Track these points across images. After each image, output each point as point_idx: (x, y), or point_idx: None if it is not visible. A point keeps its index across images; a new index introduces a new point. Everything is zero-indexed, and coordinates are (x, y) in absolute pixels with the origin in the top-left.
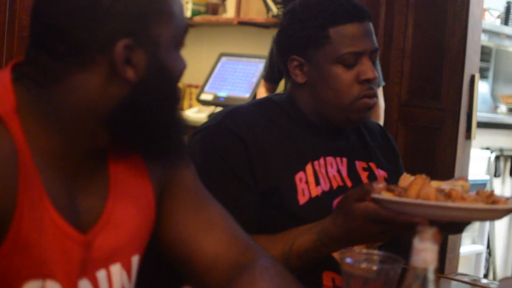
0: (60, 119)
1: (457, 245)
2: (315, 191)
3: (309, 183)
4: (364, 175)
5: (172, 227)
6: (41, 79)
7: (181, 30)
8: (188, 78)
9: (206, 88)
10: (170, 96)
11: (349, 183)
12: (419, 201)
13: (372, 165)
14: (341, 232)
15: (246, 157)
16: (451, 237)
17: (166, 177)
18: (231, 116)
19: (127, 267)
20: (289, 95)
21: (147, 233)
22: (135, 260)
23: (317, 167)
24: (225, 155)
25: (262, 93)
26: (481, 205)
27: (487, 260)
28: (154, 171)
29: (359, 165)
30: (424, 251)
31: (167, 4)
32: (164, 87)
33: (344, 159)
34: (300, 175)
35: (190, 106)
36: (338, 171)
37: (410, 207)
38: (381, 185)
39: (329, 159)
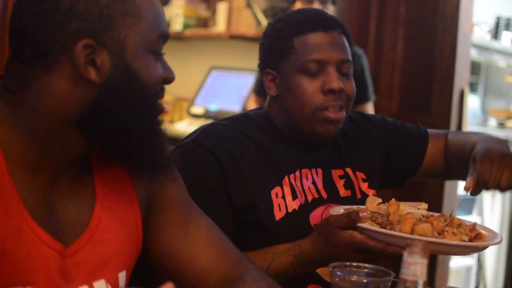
0: (32, 125)
1: (447, 258)
2: (292, 206)
3: (285, 198)
4: (340, 184)
5: (162, 241)
6: (13, 86)
7: (153, 35)
8: (178, 91)
9: (197, 101)
10: (143, 102)
11: (324, 195)
12: (416, 236)
13: (348, 170)
14: (321, 257)
15: (220, 174)
16: None
17: (153, 191)
18: (206, 133)
19: (113, 283)
20: (266, 110)
21: (135, 249)
22: (122, 276)
23: (292, 181)
24: (200, 172)
25: (252, 106)
26: (474, 243)
27: (478, 274)
28: (140, 185)
29: (335, 173)
30: (414, 265)
31: (134, 7)
32: (133, 91)
33: (320, 170)
34: (276, 190)
35: (181, 119)
36: (313, 183)
37: (405, 241)
38: (366, 214)
39: (304, 171)
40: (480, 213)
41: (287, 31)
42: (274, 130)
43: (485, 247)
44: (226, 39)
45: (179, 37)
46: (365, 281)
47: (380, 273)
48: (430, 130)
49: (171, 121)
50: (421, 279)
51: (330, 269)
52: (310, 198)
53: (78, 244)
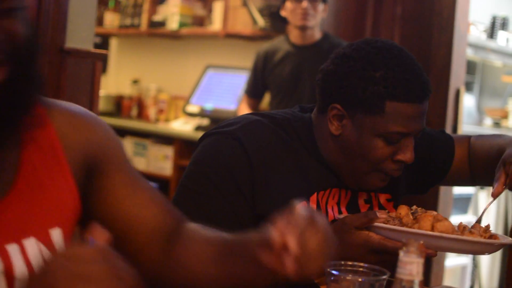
0: None
1: (443, 257)
2: None
3: None
4: (364, 208)
5: (109, 204)
6: None
7: None
8: (174, 89)
9: (192, 100)
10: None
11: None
12: (437, 233)
13: (372, 194)
14: (336, 258)
15: (250, 176)
16: None
17: (92, 154)
18: (247, 130)
19: (45, 241)
20: (310, 125)
21: (69, 208)
22: (55, 233)
23: (320, 198)
24: (230, 166)
25: (243, 108)
26: (495, 241)
27: (473, 273)
28: (71, 145)
29: (361, 196)
30: (410, 264)
31: None
32: None
33: (349, 192)
34: (302, 205)
35: (176, 118)
36: (338, 203)
37: (426, 238)
38: (384, 215)
39: (334, 190)
40: (476, 213)
41: (383, 90)
42: (313, 148)
43: (503, 245)
44: (222, 38)
45: (175, 36)
46: (360, 280)
47: (375, 272)
48: (453, 136)
49: (167, 120)
50: (417, 278)
51: (325, 267)
52: (330, 219)
53: (3, 203)
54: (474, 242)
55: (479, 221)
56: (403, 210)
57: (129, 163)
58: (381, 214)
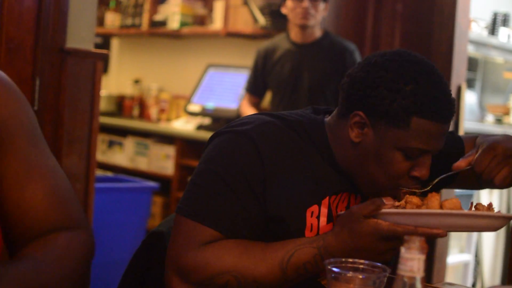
0: None
1: (445, 254)
2: (325, 229)
3: (320, 219)
4: None
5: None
6: None
7: None
8: (175, 89)
9: (194, 99)
10: None
11: None
12: (448, 211)
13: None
14: (345, 249)
15: (262, 176)
16: (438, 247)
17: None
18: (260, 131)
19: None
20: (323, 131)
21: None
22: None
23: (332, 202)
24: (243, 165)
25: (245, 106)
26: (505, 214)
27: (475, 270)
28: None
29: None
30: (411, 260)
31: None
32: None
33: (359, 197)
34: (313, 208)
35: (178, 117)
36: (347, 207)
37: (436, 218)
38: (390, 201)
39: (345, 194)
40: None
41: (411, 105)
42: (327, 151)
43: (510, 218)
44: (223, 37)
45: (176, 35)
46: (361, 277)
47: (376, 269)
48: (462, 137)
49: (168, 119)
50: (419, 275)
51: (325, 264)
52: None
53: None
54: (485, 216)
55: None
56: (407, 198)
57: (34, 147)
58: (388, 201)
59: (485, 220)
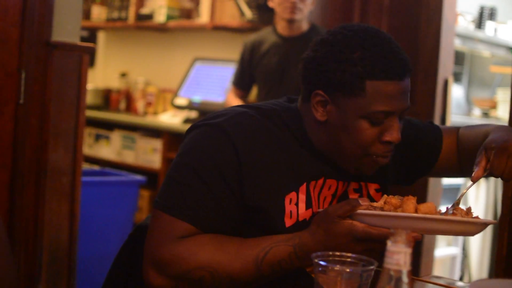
0: None
1: (432, 247)
2: (304, 215)
3: (299, 206)
4: (354, 197)
5: None
6: None
7: None
8: (162, 82)
9: (181, 93)
10: None
11: None
12: (422, 215)
13: (362, 183)
14: (321, 249)
15: (237, 167)
16: (426, 240)
17: None
18: (234, 122)
19: None
20: (299, 115)
21: None
22: None
23: (311, 188)
24: (217, 158)
25: (231, 99)
26: (479, 220)
27: (462, 263)
28: None
29: (351, 186)
30: (398, 254)
31: None
32: None
33: (346, 183)
34: (291, 195)
35: (165, 111)
36: (333, 194)
37: (410, 221)
38: (366, 202)
39: (330, 181)
40: (465, 202)
41: (361, 69)
42: (304, 138)
43: (486, 224)
44: (210, 30)
45: (163, 29)
46: (348, 270)
47: (363, 263)
48: (442, 127)
49: (155, 113)
50: (405, 268)
51: (313, 257)
52: (321, 209)
53: None
54: (461, 221)
55: (457, 203)
56: (386, 199)
57: None
58: (363, 202)
59: (461, 226)
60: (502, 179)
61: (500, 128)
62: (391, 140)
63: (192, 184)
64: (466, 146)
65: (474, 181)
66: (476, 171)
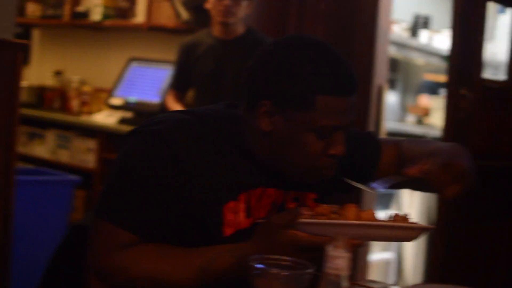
0: None
1: (367, 252)
2: (244, 224)
3: (239, 214)
4: (291, 206)
5: None
6: None
7: None
8: (97, 81)
9: (116, 93)
10: None
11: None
12: (365, 222)
13: (301, 193)
14: None
15: (175, 176)
16: None
17: None
18: (173, 129)
19: None
20: (239, 126)
21: None
22: None
23: (252, 198)
24: (155, 166)
25: (170, 101)
26: (422, 225)
27: (398, 267)
28: None
29: (290, 195)
30: (338, 258)
31: None
32: None
33: (280, 192)
34: (230, 204)
35: (99, 110)
36: (273, 203)
37: (352, 228)
38: (307, 211)
39: (270, 190)
40: (399, 208)
41: (312, 83)
42: (242, 146)
43: (429, 228)
44: (146, 31)
45: (98, 28)
46: (284, 273)
47: (300, 266)
48: (382, 139)
49: (90, 112)
50: (345, 273)
51: (249, 260)
52: (261, 217)
53: None
54: (402, 227)
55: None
56: (323, 208)
57: None
58: (305, 211)
59: (402, 231)
60: (432, 189)
61: (451, 145)
62: (337, 153)
63: (132, 192)
64: (409, 159)
65: (406, 174)
66: (412, 167)
